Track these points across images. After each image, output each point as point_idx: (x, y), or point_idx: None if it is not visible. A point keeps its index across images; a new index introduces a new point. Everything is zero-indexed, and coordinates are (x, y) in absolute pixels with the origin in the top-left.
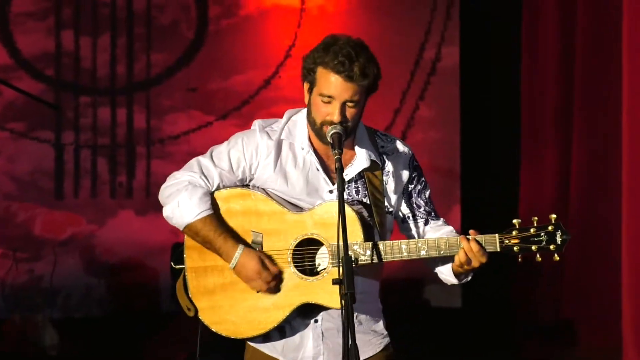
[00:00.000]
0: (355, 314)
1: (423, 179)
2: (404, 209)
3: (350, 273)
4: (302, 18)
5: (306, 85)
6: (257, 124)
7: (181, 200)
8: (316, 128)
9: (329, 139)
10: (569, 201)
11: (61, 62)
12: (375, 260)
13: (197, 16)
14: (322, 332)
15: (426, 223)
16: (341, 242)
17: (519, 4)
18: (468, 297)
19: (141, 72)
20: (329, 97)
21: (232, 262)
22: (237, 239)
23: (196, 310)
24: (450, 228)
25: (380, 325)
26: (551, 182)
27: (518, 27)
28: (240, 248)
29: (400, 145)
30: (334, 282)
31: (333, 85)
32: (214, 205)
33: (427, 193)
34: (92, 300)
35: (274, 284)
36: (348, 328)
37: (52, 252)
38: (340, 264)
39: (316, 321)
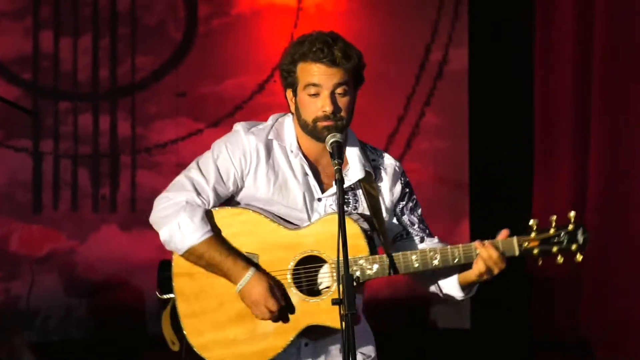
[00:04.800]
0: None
1: (414, 196)
2: (397, 227)
3: (350, 292)
4: (298, 18)
5: (289, 93)
6: (240, 125)
7: (182, 221)
8: (309, 128)
9: (328, 148)
10: (586, 215)
11: (39, 65)
12: (384, 274)
13: (185, 16)
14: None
15: (422, 241)
16: (342, 259)
17: (532, 2)
18: (477, 318)
19: (126, 76)
20: (315, 86)
21: (239, 284)
22: (247, 260)
23: (182, 345)
24: (446, 244)
25: (369, 347)
26: (566, 195)
27: (531, 27)
28: (252, 271)
29: (390, 160)
30: (334, 302)
31: (317, 74)
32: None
33: (419, 210)
34: (72, 322)
35: (277, 315)
36: (349, 352)
37: (30, 270)
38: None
39: (306, 345)
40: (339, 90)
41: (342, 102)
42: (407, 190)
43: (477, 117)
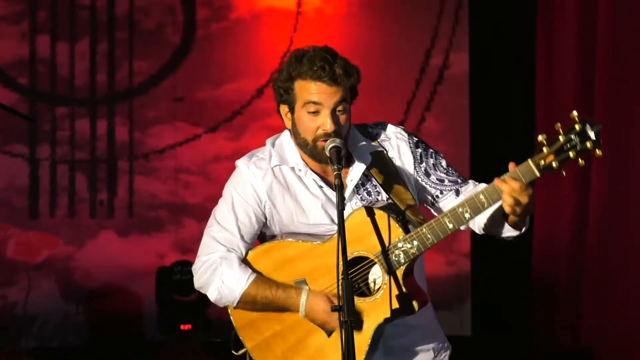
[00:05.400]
0: (407, 332)
1: (431, 150)
2: (429, 191)
3: (350, 298)
4: (298, 22)
5: (284, 109)
6: (241, 162)
7: (223, 275)
8: (309, 148)
9: (327, 153)
10: (588, 220)
11: (36, 69)
12: (426, 246)
13: (184, 20)
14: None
15: (457, 194)
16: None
17: (534, 7)
18: (478, 325)
19: (123, 81)
20: (316, 104)
21: (301, 310)
22: (296, 287)
23: None
24: (484, 185)
25: (441, 334)
26: (568, 200)
27: (533, 31)
28: (305, 292)
29: (391, 129)
30: (334, 309)
31: (317, 92)
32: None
33: (443, 162)
34: (69, 329)
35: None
36: (349, 358)
37: (26, 276)
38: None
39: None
40: (339, 107)
41: (342, 119)
42: (420, 150)
43: (478, 122)
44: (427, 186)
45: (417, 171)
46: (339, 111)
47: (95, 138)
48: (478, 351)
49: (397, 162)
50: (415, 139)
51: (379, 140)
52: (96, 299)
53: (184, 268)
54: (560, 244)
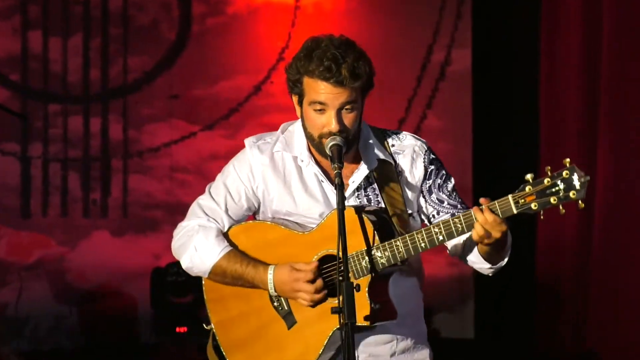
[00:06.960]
0: (391, 342)
1: (443, 171)
2: (427, 208)
3: (351, 300)
4: (296, 17)
5: (295, 98)
6: (247, 140)
7: (197, 243)
8: (315, 143)
9: (327, 151)
10: (593, 220)
11: (28, 66)
12: (396, 259)
13: (179, 15)
14: None
15: None
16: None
17: (538, 2)
18: (481, 328)
19: (117, 77)
20: (321, 103)
21: (270, 288)
22: (265, 263)
23: None
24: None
25: (424, 353)
26: None
27: (536, 27)
28: (271, 269)
29: (412, 140)
30: (333, 311)
31: (323, 93)
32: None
33: (450, 185)
34: (62, 331)
35: (320, 283)
36: None
37: (18, 277)
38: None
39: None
40: (346, 106)
41: (349, 118)
42: (433, 167)
43: (481, 119)
44: (427, 203)
45: (422, 187)
46: (346, 109)
47: (89, 136)
48: (481, 353)
49: (406, 175)
50: (433, 156)
51: (392, 150)
52: (90, 300)
53: (180, 269)
54: (565, 245)
